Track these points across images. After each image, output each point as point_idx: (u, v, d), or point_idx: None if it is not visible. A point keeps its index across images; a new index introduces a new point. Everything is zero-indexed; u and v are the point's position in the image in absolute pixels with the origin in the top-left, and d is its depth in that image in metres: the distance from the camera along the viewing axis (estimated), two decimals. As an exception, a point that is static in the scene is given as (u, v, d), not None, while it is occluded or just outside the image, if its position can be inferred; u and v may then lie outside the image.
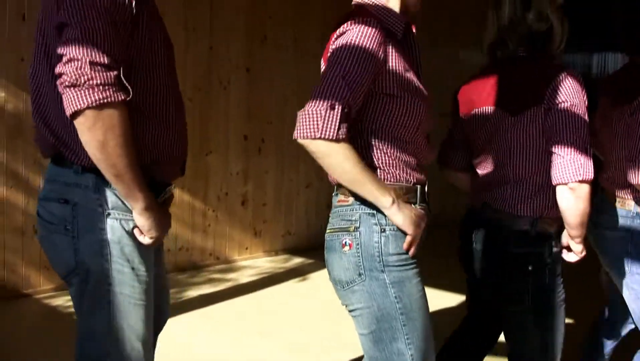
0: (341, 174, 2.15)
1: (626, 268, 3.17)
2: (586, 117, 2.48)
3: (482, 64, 2.82)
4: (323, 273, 5.53)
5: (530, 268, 2.59)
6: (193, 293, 5.49)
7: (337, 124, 2.05)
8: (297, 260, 6.57)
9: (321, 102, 2.06)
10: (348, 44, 2.14)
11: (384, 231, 2.22)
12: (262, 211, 6.72)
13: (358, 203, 2.24)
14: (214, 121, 6.21)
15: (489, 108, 2.67)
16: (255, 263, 6.47)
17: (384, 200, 2.16)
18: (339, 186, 2.28)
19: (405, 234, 2.21)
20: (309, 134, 2.06)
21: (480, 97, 2.72)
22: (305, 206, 7.01)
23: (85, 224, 2.13)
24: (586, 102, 2.50)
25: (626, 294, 3.21)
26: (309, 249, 6.81)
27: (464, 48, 8.45)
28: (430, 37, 8.05)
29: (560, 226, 2.61)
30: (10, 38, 4.87)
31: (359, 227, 2.24)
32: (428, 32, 8.11)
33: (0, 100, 4.86)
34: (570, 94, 2.48)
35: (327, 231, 2.33)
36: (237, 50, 6.30)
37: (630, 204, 3.13)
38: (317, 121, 2.05)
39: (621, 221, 3.17)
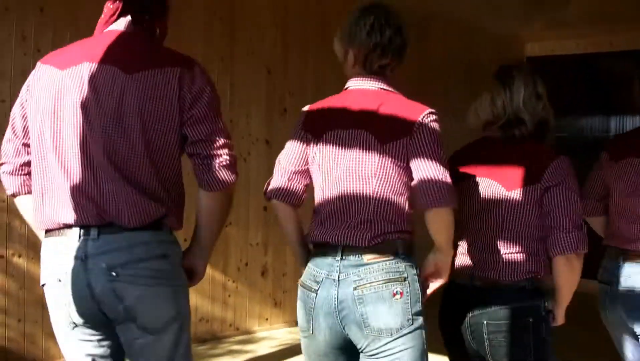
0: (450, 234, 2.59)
1: None
2: (579, 197, 2.78)
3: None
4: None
5: (530, 320, 2.74)
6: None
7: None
8: (317, 331, 6.53)
9: (446, 175, 2.51)
10: (436, 133, 2.57)
11: (418, 280, 2.59)
12: (282, 281, 6.72)
13: (401, 257, 2.56)
14: (234, 193, 6.24)
15: (484, 180, 2.86)
16: (275, 334, 6.44)
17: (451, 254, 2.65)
18: (368, 247, 2.55)
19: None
20: (450, 202, 2.51)
21: (477, 170, 2.90)
22: (325, 277, 6.98)
23: (180, 275, 2.49)
24: (577, 183, 2.81)
25: None
26: (329, 320, 6.78)
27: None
28: (445, 86, 8.18)
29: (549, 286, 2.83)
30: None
31: (407, 278, 2.54)
32: (444, 80, 8.23)
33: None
34: (566, 176, 2.77)
35: (368, 283, 2.53)
36: (257, 123, 6.40)
37: None
38: (452, 190, 2.51)
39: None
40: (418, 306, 2.54)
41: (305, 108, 2.85)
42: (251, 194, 6.35)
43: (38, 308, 4.90)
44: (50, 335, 4.96)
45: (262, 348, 6.00)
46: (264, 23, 6.47)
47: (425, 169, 2.50)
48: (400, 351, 2.51)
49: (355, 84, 2.71)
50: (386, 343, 2.51)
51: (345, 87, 2.75)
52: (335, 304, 2.55)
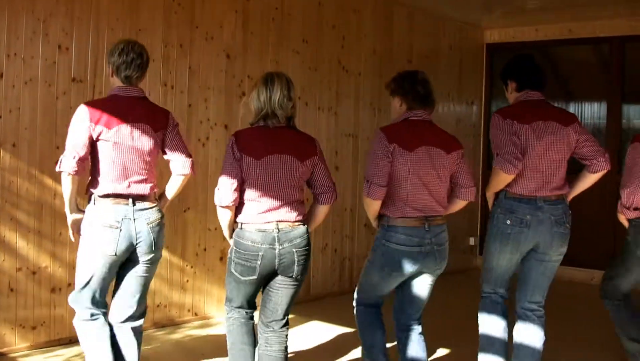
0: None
1: None
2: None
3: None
4: (306, 325, 5.52)
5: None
6: (172, 349, 5.49)
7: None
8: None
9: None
10: None
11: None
12: (241, 266, 6.69)
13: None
14: (192, 178, 6.22)
15: (281, 155, 3.89)
16: (233, 319, 6.44)
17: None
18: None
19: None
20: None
21: (268, 148, 3.89)
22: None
23: None
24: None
25: None
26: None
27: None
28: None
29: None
30: None
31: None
32: (406, 65, 8.24)
33: None
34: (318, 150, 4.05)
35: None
36: (215, 108, 6.40)
37: None
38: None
39: None
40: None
41: None
42: (208, 179, 6.35)
43: (-6, 293, 4.89)
44: (5, 322, 4.95)
45: (221, 333, 6.00)
46: (223, 8, 6.46)
47: None
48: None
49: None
50: None
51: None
52: None
